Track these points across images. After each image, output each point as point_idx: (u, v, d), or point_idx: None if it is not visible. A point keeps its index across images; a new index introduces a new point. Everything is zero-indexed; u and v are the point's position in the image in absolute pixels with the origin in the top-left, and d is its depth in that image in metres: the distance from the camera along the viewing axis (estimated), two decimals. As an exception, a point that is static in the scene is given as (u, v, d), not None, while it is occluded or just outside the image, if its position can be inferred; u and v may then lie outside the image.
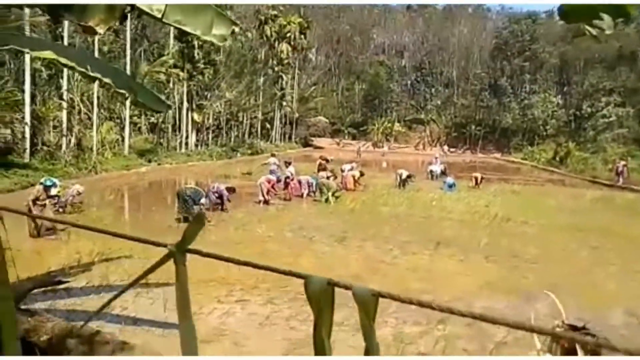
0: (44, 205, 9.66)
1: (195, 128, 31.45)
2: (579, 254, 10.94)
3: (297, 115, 51.40)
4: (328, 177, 18.32)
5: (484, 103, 55.99)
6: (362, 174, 19.70)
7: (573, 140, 41.72)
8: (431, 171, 25.07)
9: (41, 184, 10.27)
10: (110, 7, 2.89)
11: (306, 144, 52.16)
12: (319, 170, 18.31)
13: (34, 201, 9.70)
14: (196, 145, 31.56)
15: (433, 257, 10.08)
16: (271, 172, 18.54)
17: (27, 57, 18.45)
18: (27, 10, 18.62)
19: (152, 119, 31.70)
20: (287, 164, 17.74)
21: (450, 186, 20.44)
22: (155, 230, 12.21)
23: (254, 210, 15.08)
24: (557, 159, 38.34)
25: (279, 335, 6.00)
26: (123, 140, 24.59)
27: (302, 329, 6.17)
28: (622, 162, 27.56)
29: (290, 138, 50.87)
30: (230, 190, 14.83)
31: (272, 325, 6.32)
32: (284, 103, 47.29)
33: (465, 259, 9.88)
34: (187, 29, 3.72)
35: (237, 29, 3.99)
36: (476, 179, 21.78)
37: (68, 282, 6.48)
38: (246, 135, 40.74)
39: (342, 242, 11.13)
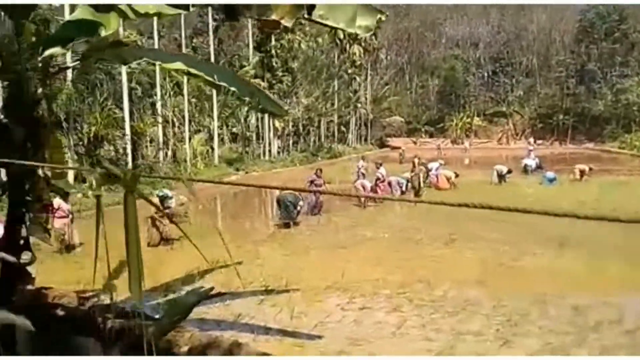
0: (162, 216, 10.05)
1: (276, 135, 32.00)
2: None
3: (371, 116, 50.97)
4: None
5: (570, 90, 52.39)
6: (457, 175, 18.94)
7: (677, 126, 37.93)
8: (525, 165, 23.68)
9: (157, 196, 10.73)
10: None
11: (382, 144, 51.50)
12: (412, 170, 17.86)
13: (155, 213, 10.14)
14: (278, 152, 32.11)
15: (556, 258, 9.34)
16: (360, 174, 18.35)
17: (124, 77, 19.55)
18: (121, 30, 19.72)
19: (234, 129, 32.66)
20: (378, 165, 17.44)
21: (551, 180, 19.25)
22: (259, 236, 12.38)
23: (350, 214, 14.89)
24: (661, 146, 35.06)
25: (417, 346, 5.69)
26: (212, 150, 25.46)
27: (440, 338, 5.82)
28: None
29: (366, 139, 50.52)
30: (319, 171, 14.87)
31: (405, 335, 6.01)
32: (359, 105, 47.06)
33: (594, 259, 9.02)
34: (329, 22, 3.53)
35: (382, 17, 3.71)
36: (582, 172, 20.22)
37: (228, 293, 6.69)
38: (323, 140, 40.95)
39: (450, 244, 10.64)
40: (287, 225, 12.49)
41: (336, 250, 10.40)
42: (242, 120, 29.67)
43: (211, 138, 26.27)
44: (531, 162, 24.06)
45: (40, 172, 3.11)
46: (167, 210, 10.91)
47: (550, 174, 19.69)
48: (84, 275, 8.44)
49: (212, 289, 4.57)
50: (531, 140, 43.54)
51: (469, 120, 53.21)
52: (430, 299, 7.16)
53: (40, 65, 2.95)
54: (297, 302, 7.10)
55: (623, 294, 7.28)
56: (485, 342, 5.70)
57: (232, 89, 5.20)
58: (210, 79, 4.98)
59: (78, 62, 3.76)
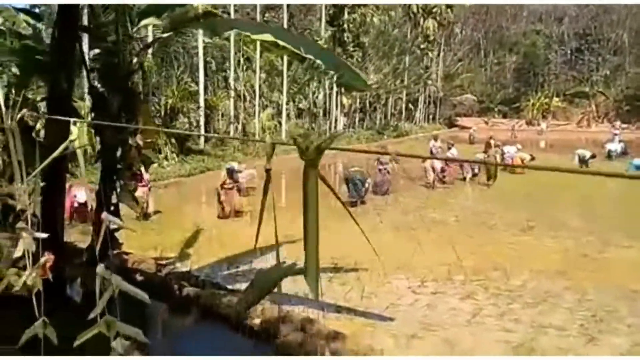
0: (231, 189, 10.29)
1: (342, 112, 31.76)
2: None
3: (441, 94, 49.26)
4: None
5: (664, 70, 48.05)
6: (532, 157, 17.98)
7: None
8: (609, 150, 22.05)
9: (226, 169, 10.96)
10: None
11: (451, 124, 49.65)
12: (485, 151, 17.17)
13: (222, 186, 10.40)
14: (344, 129, 31.88)
15: (646, 251, 8.63)
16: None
17: (201, 51, 19.98)
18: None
19: (300, 105, 32.73)
20: (450, 145, 16.88)
21: (638, 167, 17.79)
22: (326, 213, 12.34)
23: (418, 194, 14.56)
24: None
25: (494, 336, 5.44)
26: (279, 125, 25.70)
27: (519, 330, 5.54)
28: None
29: (434, 118, 48.99)
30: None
31: (481, 324, 5.77)
32: (429, 82, 45.56)
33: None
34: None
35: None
36: (675, 159, 18.58)
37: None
38: (389, 117, 40.19)
39: (528, 231, 10.11)
40: (353, 204, 12.37)
41: (405, 231, 10.18)
42: (310, 95, 29.64)
43: (279, 113, 26.50)
44: (616, 147, 22.38)
45: (131, 141, 3.16)
46: (236, 184, 11.12)
47: (637, 161, 18.22)
48: (160, 241, 8.83)
49: (294, 264, 4.56)
50: (616, 123, 40.46)
51: (547, 100, 50.05)
52: (507, 288, 6.84)
53: (135, 36, 2.96)
54: (366, 282, 7.01)
55: None
56: (568, 337, 5.36)
57: (318, 61, 5.07)
58: (297, 51, 4.87)
59: (171, 32, 3.77)
